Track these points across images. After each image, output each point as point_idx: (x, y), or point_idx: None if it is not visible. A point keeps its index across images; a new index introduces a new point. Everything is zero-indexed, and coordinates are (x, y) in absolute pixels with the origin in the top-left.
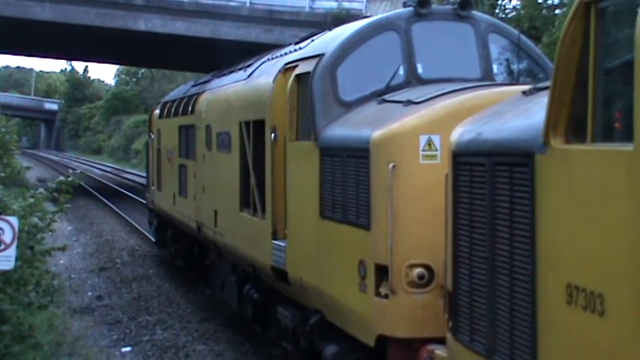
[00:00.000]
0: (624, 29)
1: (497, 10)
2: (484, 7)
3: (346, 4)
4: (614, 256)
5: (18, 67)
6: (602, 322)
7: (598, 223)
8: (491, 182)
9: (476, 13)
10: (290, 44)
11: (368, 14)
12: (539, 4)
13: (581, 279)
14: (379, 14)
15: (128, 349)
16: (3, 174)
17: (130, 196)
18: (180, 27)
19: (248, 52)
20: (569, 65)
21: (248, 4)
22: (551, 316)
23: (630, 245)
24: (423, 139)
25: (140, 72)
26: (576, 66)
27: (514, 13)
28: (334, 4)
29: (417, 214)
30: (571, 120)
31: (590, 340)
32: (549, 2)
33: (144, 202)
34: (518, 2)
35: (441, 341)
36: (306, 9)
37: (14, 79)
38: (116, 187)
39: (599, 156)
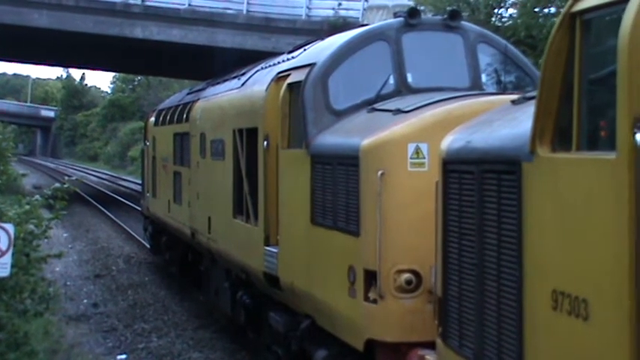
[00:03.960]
0: (608, 41)
1: (493, 19)
2: (480, 15)
3: (343, 13)
4: (598, 262)
5: (14, 74)
6: (586, 327)
7: (582, 230)
8: (480, 190)
9: (465, 23)
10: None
11: (365, 22)
12: (535, 12)
13: (566, 285)
14: (376, 22)
15: (123, 356)
16: None
17: (126, 204)
18: (176, 34)
19: (244, 60)
20: (555, 75)
21: (245, 12)
22: (537, 321)
23: (613, 251)
24: (411, 147)
25: (136, 79)
26: (562, 76)
27: (510, 22)
28: (331, 12)
29: (405, 220)
30: (557, 129)
31: (575, 345)
32: (545, 11)
33: (140, 209)
34: (515, 11)
35: (429, 345)
36: (303, 17)
37: (10, 86)
38: (112, 195)
39: (584, 164)
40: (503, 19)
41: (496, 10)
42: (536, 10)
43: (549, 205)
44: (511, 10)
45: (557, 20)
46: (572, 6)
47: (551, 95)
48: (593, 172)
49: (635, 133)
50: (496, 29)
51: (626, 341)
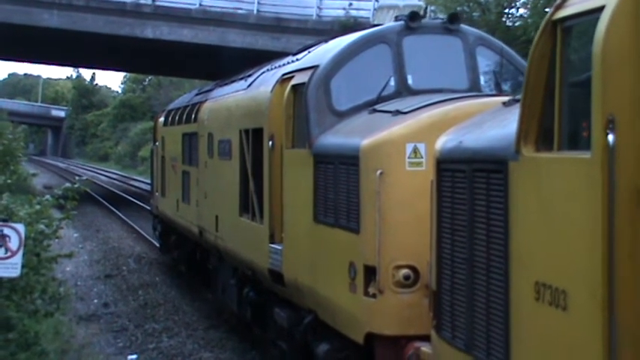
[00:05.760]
0: (586, 47)
1: (504, 19)
2: (491, 15)
3: (354, 13)
4: (575, 256)
5: (25, 74)
6: (564, 317)
7: (562, 226)
8: (471, 188)
9: (464, 26)
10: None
11: (375, 22)
12: (546, 12)
13: (547, 277)
14: (387, 22)
15: (134, 356)
16: (9, 181)
17: (137, 204)
18: (187, 34)
19: (255, 60)
20: (538, 79)
21: (255, 12)
22: (521, 311)
23: (588, 246)
24: (409, 147)
25: (147, 79)
26: (545, 80)
27: (521, 22)
28: (341, 12)
29: (403, 218)
30: (540, 130)
31: (555, 333)
32: None
33: (149, 208)
34: (526, 11)
35: (427, 339)
36: (314, 17)
37: (21, 86)
38: (122, 195)
39: (563, 163)
40: (514, 19)
41: (507, 11)
42: (547, 10)
43: (533, 202)
44: (522, 11)
45: (540, 27)
46: (553, 14)
47: (535, 98)
48: (571, 171)
49: (607, 133)
50: (507, 29)
51: (600, 329)
